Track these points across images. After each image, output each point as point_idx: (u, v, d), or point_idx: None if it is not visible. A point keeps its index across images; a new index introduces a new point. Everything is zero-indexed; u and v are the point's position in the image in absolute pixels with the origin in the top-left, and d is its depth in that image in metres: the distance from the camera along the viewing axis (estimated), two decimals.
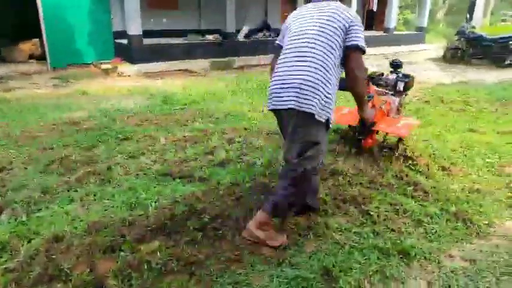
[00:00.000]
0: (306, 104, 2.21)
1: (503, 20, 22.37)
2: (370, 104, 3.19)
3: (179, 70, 9.39)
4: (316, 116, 2.24)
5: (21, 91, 6.80)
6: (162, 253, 2.27)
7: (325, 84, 2.24)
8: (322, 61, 2.24)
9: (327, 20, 2.28)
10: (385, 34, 15.84)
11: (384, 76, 4.05)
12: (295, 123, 2.29)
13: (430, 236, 2.56)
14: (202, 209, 2.77)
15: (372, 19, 17.58)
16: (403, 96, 4.09)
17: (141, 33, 9.48)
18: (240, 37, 11.65)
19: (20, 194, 2.97)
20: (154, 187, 3.15)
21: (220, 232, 2.54)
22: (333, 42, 2.25)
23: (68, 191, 3.05)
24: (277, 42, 2.61)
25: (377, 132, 3.83)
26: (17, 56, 9.54)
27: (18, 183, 3.17)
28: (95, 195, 3.00)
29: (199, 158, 3.77)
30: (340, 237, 2.51)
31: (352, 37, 2.28)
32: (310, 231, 2.57)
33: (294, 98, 2.22)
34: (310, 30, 2.29)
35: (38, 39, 9.55)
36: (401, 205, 2.91)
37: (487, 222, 2.72)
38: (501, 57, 10.24)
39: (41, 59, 9.40)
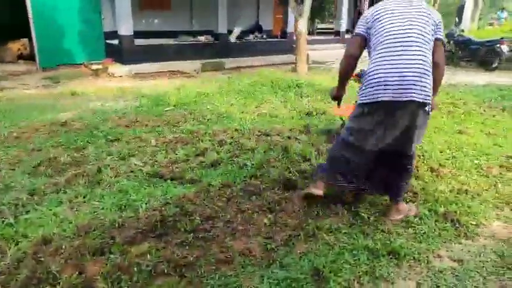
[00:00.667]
0: (425, 95, 2.35)
1: (490, 24, 22.74)
2: None
3: (170, 71, 9.36)
4: (427, 108, 2.40)
5: (10, 91, 6.71)
6: (152, 255, 2.26)
7: (430, 77, 2.39)
8: (427, 55, 2.39)
9: (424, 15, 2.45)
10: None
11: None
12: (413, 115, 2.39)
13: (419, 237, 2.59)
14: (193, 210, 2.76)
15: None
16: None
17: (132, 33, 9.44)
18: (232, 38, 11.67)
19: (7, 196, 2.93)
20: (145, 189, 3.13)
21: (211, 234, 2.53)
22: (429, 37, 2.43)
23: (57, 192, 3.01)
24: (359, 31, 2.65)
25: None
26: (5, 56, 9.42)
27: (5, 185, 3.12)
28: (84, 197, 2.96)
29: (190, 159, 3.76)
30: (331, 238, 2.52)
31: (439, 31, 2.50)
32: (301, 231, 2.58)
33: (415, 90, 2.32)
34: (413, 25, 2.41)
35: (27, 39, 9.44)
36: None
37: (475, 223, 2.76)
38: (489, 60, 10.41)
39: (30, 59, 9.29)
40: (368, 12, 2.65)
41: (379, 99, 2.39)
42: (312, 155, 3.81)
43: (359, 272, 2.21)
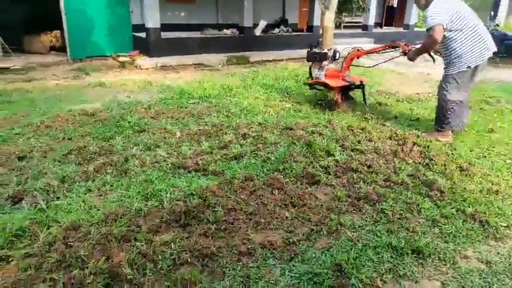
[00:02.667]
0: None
1: None
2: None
3: (195, 64, 9.44)
4: None
5: (41, 82, 6.95)
6: (176, 244, 2.31)
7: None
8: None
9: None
10: (404, 30, 15.57)
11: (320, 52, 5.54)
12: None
13: (445, 237, 2.52)
14: (216, 202, 2.79)
15: (392, 15, 17.29)
16: (332, 63, 5.64)
17: (159, 26, 9.56)
18: (257, 32, 11.62)
19: (39, 182, 3.05)
20: (169, 179, 3.19)
21: (233, 225, 2.56)
22: None
23: (86, 180, 3.12)
24: (443, 22, 3.86)
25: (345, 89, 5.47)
26: (38, 47, 9.74)
27: (37, 171, 3.25)
28: (111, 185, 3.05)
29: (214, 151, 3.80)
30: (354, 234, 2.50)
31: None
32: (323, 226, 2.57)
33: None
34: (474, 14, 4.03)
35: (59, 31, 9.73)
36: (417, 204, 2.88)
37: (505, 225, 2.67)
38: None
39: (61, 51, 9.58)
40: (445, 6, 3.92)
41: (487, 56, 4.03)
42: (335, 150, 3.77)
43: (382, 270, 2.18)
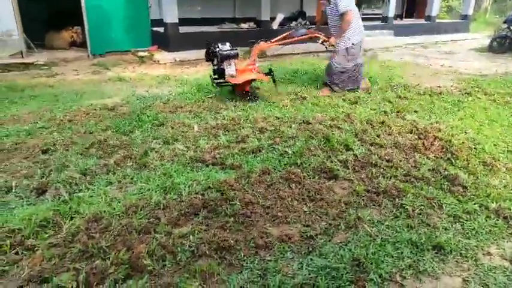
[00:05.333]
0: None
1: None
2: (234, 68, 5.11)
3: None
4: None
5: (63, 77, 7.11)
6: (194, 237, 2.34)
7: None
8: None
9: None
10: (426, 22, 15.18)
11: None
12: None
13: (467, 233, 2.47)
14: (233, 195, 2.81)
15: (413, 6, 16.86)
16: (234, 61, 5.22)
17: (177, 21, 9.61)
18: (275, 25, 11.54)
19: (62, 175, 3.13)
20: (188, 172, 3.22)
21: (251, 219, 2.57)
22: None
23: (107, 173, 3.18)
24: (352, 8, 5.19)
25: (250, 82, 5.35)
26: (59, 43, 9.95)
27: (60, 164, 3.34)
28: (131, 178, 3.11)
29: (232, 145, 3.81)
30: (372, 229, 2.47)
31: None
32: (341, 221, 2.55)
33: None
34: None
35: (79, 28, 9.90)
36: (438, 200, 2.82)
37: None
38: None
39: (82, 47, 9.76)
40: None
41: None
42: (354, 145, 3.73)
43: (402, 265, 2.15)
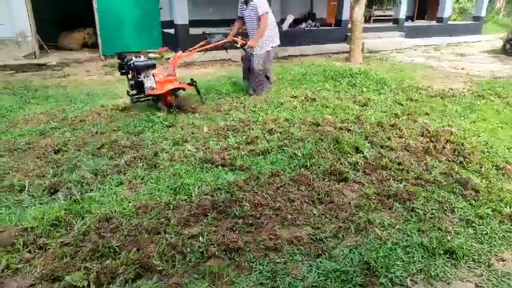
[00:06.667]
0: None
1: None
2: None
3: (222, 59, 9.48)
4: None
5: (75, 78, 7.20)
6: (204, 237, 2.34)
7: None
8: None
9: None
10: (438, 24, 15.03)
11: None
12: None
13: (480, 238, 2.43)
14: (242, 197, 2.81)
15: (425, 7, 16.70)
16: (152, 72, 4.88)
17: (188, 23, 9.67)
18: (285, 27, 11.54)
19: (73, 174, 3.17)
20: (197, 174, 3.24)
21: (260, 221, 2.57)
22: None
23: (118, 173, 3.21)
24: (268, 11, 5.21)
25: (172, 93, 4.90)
26: (71, 44, 10.10)
27: (72, 164, 3.38)
28: (142, 178, 3.13)
29: (241, 147, 3.81)
30: (383, 232, 2.45)
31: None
32: (351, 224, 2.53)
33: None
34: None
35: (91, 29, 10.03)
36: (450, 204, 2.79)
37: None
38: None
39: (94, 48, 9.88)
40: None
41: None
42: (364, 147, 3.70)
43: (413, 270, 2.13)
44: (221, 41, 5.28)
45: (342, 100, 5.51)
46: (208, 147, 3.79)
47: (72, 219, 2.49)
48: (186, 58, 5.90)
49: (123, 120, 4.58)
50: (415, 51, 11.47)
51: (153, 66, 4.87)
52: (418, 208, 2.71)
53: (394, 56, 10.16)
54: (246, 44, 5.34)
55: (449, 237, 2.41)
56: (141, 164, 3.37)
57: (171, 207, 2.69)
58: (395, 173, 3.23)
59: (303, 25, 12.40)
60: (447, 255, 2.25)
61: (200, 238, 2.34)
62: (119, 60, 4.86)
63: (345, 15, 12.30)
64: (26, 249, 2.24)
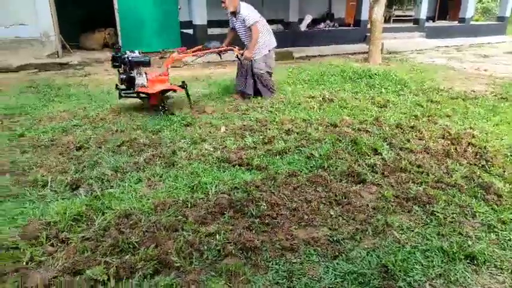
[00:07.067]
0: None
1: None
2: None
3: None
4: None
5: (96, 77, 7.36)
6: (220, 236, 2.36)
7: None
8: None
9: None
10: (460, 24, 14.69)
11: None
12: None
13: (502, 243, 2.37)
14: (259, 196, 2.81)
15: (446, 8, 16.36)
16: (145, 70, 4.85)
17: (206, 23, 9.75)
18: (302, 27, 11.50)
19: (94, 171, 3.24)
20: (214, 172, 3.26)
21: (277, 220, 2.57)
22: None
23: (137, 171, 3.27)
24: (258, 19, 5.28)
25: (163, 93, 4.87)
26: (92, 44, 10.31)
27: (93, 161, 3.45)
28: (160, 176, 3.18)
29: (258, 146, 3.82)
30: (401, 236, 2.41)
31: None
32: (369, 226, 2.51)
33: None
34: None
35: (112, 29, 10.23)
36: (471, 208, 2.73)
37: None
38: None
39: (114, 47, 10.06)
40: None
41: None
42: (383, 149, 3.66)
43: (432, 274, 2.09)
44: (218, 49, 5.28)
45: (360, 101, 5.46)
46: (226, 147, 3.81)
47: (93, 215, 2.55)
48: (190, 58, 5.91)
49: (141, 119, 4.65)
50: (436, 52, 11.25)
51: (148, 64, 4.77)
52: (438, 212, 2.66)
53: (414, 57, 9.99)
54: (242, 54, 5.37)
55: (470, 242, 2.35)
56: (159, 162, 3.42)
57: (189, 205, 2.72)
58: (414, 176, 3.18)
59: (321, 25, 12.33)
60: (468, 261, 2.20)
61: (217, 236, 2.36)
62: (113, 52, 4.82)
63: (364, 15, 12.16)
64: (49, 243, 2.30)
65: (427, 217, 2.63)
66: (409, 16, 15.63)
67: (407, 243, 2.35)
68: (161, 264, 2.12)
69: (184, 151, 3.68)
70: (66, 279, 2.01)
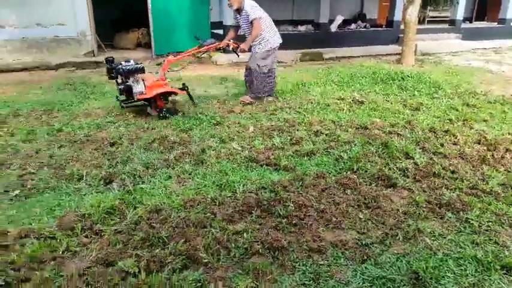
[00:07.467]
0: None
1: None
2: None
3: None
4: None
5: None
6: (248, 234, 2.37)
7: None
8: None
9: None
10: (499, 25, 14.06)
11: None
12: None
13: None
14: (286, 197, 2.81)
15: (485, 8, 15.69)
16: (141, 76, 4.76)
17: (237, 24, 9.80)
18: (333, 28, 11.36)
19: (127, 167, 3.34)
20: (242, 171, 3.29)
21: (304, 221, 2.56)
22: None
23: (167, 167, 3.34)
24: (261, 15, 5.32)
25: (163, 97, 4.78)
26: (126, 43, 10.62)
27: (125, 157, 3.56)
28: (189, 173, 3.24)
29: (286, 147, 3.82)
30: (433, 242, 2.35)
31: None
32: (399, 231, 2.45)
33: None
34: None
35: (145, 29, 10.49)
36: (508, 217, 2.61)
37: None
38: None
39: (146, 47, 10.33)
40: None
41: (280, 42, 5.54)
42: (415, 153, 3.56)
43: (465, 283, 2.02)
44: (213, 45, 5.29)
45: (391, 103, 5.34)
46: (254, 147, 3.83)
47: (125, 209, 2.64)
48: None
49: (172, 117, 4.75)
50: (473, 54, 10.82)
51: (142, 70, 4.77)
52: (472, 219, 2.57)
53: (449, 59, 9.66)
54: (238, 47, 5.35)
55: (506, 252, 2.26)
56: (188, 160, 3.49)
57: (217, 203, 2.75)
58: (448, 181, 3.08)
59: (353, 26, 12.14)
60: (504, 271, 2.11)
61: (244, 234, 2.37)
62: (107, 65, 4.81)
63: (397, 16, 11.87)
64: (84, 234, 2.40)
65: (460, 224, 2.54)
66: (445, 17, 15.10)
67: (439, 250, 2.28)
68: (190, 260, 2.16)
69: (213, 150, 3.73)
70: (99, 269, 2.09)
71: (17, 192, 2.94)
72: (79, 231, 2.41)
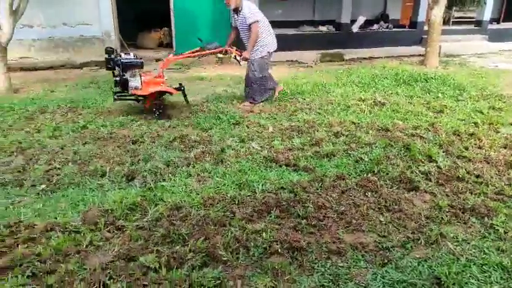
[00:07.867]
0: None
1: None
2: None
3: (289, 60, 9.51)
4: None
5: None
6: (267, 234, 2.38)
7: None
8: None
9: None
10: None
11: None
12: None
13: None
14: (306, 198, 2.81)
15: None
16: (138, 72, 4.72)
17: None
18: (355, 28, 11.23)
19: (148, 164, 3.40)
20: (261, 171, 3.30)
21: (323, 223, 2.54)
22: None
23: (187, 166, 3.38)
24: (259, 19, 5.13)
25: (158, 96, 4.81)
26: (148, 43, 10.79)
27: (147, 154, 3.63)
28: (209, 172, 3.27)
29: (305, 148, 3.81)
30: (456, 248, 2.29)
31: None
32: (421, 235, 2.41)
33: None
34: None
35: (167, 29, 10.64)
36: None
37: None
38: None
39: (168, 47, 10.47)
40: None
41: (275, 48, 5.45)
42: (438, 156, 3.49)
43: None
44: (216, 50, 5.27)
45: (414, 105, 5.24)
46: (273, 147, 3.83)
47: (146, 205, 2.69)
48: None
49: (192, 116, 4.80)
50: (500, 56, 10.49)
51: (141, 66, 4.69)
52: (497, 225, 2.49)
53: (474, 61, 9.40)
54: (240, 54, 5.28)
55: None
56: (208, 159, 3.52)
57: (236, 202, 2.77)
58: (472, 186, 3.00)
59: (375, 26, 11.96)
60: None
61: (263, 234, 2.38)
62: (106, 55, 4.68)
63: (421, 17, 11.63)
64: (106, 229, 2.46)
65: (485, 230, 2.47)
66: (471, 18, 14.69)
67: (462, 255, 2.23)
68: (209, 257, 2.18)
69: (232, 149, 3.75)
70: (121, 264, 2.13)
71: (43, 186, 3.04)
72: (102, 226, 2.47)
